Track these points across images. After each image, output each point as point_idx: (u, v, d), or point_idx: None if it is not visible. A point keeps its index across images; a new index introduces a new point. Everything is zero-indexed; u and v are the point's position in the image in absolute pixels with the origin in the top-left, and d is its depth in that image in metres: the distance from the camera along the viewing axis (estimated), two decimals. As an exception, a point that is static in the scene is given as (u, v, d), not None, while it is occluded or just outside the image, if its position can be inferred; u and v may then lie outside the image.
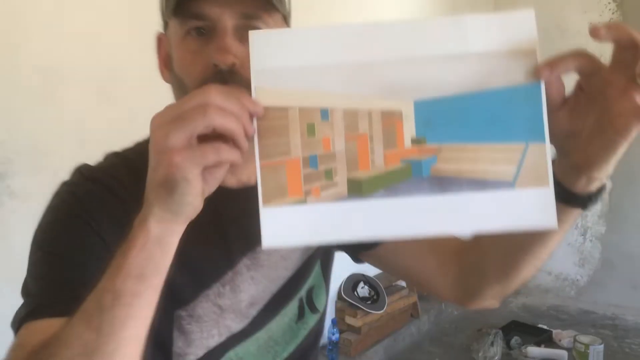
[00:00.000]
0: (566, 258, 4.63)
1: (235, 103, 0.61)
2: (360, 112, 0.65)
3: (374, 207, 0.64)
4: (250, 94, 0.64)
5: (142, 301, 0.63)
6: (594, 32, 0.61)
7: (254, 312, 0.94)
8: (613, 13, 4.53)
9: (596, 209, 4.50)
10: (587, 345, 3.31)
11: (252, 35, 0.66)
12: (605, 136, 0.64)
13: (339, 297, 3.51)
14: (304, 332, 1.03)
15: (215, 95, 0.59)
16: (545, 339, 3.74)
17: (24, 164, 1.90)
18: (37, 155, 1.92)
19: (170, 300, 0.81)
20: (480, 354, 3.49)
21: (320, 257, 1.06)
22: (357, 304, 3.46)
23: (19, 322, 0.74)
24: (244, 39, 0.79)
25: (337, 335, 3.29)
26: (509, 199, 0.64)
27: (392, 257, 1.01)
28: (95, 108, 2.11)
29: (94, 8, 2.10)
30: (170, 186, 0.59)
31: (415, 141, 0.65)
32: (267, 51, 0.65)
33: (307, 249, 1.00)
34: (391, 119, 0.65)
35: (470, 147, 0.65)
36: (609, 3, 4.53)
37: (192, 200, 0.61)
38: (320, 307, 1.06)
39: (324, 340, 3.35)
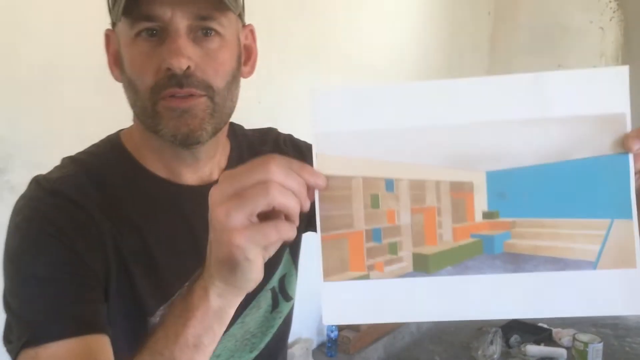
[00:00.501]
0: None
1: (296, 179, 0.58)
2: (427, 183, 0.62)
3: (442, 285, 0.60)
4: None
5: None
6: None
7: None
8: (614, 12, 4.49)
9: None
10: (586, 344, 3.30)
11: (314, 93, 0.61)
12: None
13: None
14: (279, 321, 1.02)
15: (277, 171, 0.56)
16: (545, 337, 3.72)
17: (24, 160, 1.87)
18: (37, 151, 1.89)
19: (141, 307, 0.82)
20: (479, 352, 3.47)
21: (288, 244, 1.00)
22: None
23: (18, 348, 0.72)
24: (197, 40, 0.79)
25: (335, 332, 3.30)
26: (590, 280, 0.59)
27: None
28: (95, 104, 2.07)
29: (93, 4, 2.05)
30: (233, 265, 0.58)
31: (487, 215, 0.61)
32: (329, 112, 0.61)
33: None
34: (461, 191, 0.61)
35: (548, 222, 0.60)
36: (610, 2, 4.50)
37: (254, 276, 0.60)
38: (293, 295, 1.06)
39: (322, 338, 3.39)
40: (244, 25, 0.90)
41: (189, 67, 0.77)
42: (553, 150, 0.60)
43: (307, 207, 0.60)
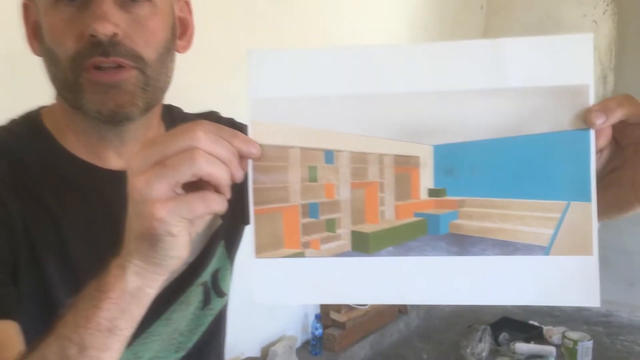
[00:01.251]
0: None
1: (226, 147, 0.53)
2: (370, 156, 0.57)
3: (381, 266, 0.56)
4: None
5: (111, 353, 0.58)
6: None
7: None
8: (607, 5, 4.46)
9: (592, 205, 4.53)
10: (575, 342, 3.31)
11: (251, 54, 0.57)
12: (625, 195, 0.58)
13: None
14: (209, 319, 0.96)
15: (204, 138, 0.52)
16: (535, 335, 3.73)
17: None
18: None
19: (51, 298, 0.77)
20: (468, 350, 3.47)
21: (223, 237, 0.97)
22: None
23: None
24: (125, 6, 0.73)
25: (320, 330, 3.29)
26: (542, 267, 0.55)
27: None
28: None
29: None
30: (154, 240, 0.53)
31: (433, 193, 0.57)
32: (267, 76, 0.57)
33: (208, 229, 0.86)
34: (406, 166, 0.57)
35: (499, 202, 0.56)
36: None
37: (178, 253, 0.55)
38: (227, 290, 0.99)
39: (306, 335, 3.38)
40: None
41: (115, 35, 0.72)
42: (508, 123, 0.55)
43: (239, 177, 0.55)
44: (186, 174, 0.51)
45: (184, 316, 0.90)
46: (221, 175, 0.53)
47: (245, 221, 0.95)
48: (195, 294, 0.91)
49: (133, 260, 0.56)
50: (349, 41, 3.49)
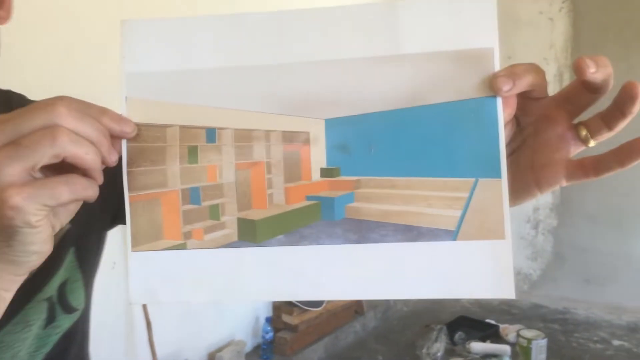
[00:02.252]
0: (519, 252, 4.69)
1: (94, 124, 0.47)
2: (255, 132, 0.52)
3: (271, 257, 0.51)
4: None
5: None
6: (582, 68, 0.48)
7: None
8: (563, 3, 4.58)
9: (547, 202, 4.60)
10: (529, 340, 3.35)
11: (125, 25, 0.52)
12: (523, 180, 0.54)
13: None
14: (54, 338, 0.82)
15: (67, 113, 0.46)
16: (491, 334, 3.78)
17: None
18: None
19: None
20: (424, 351, 3.50)
21: (74, 244, 0.84)
22: (293, 301, 3.41)
23: None
24: None
25: (271, 334, 3.27)
26: (449, 254, 0.50)
27: None
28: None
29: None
30: (8, 233, 0.46)
31: (326, 172, 0.52)
32: (143, 49, 0.51)
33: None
34: (295, 142, 0.52)
35: (399, 182, 0.51)
36: None
37: (39, 248, 0.48)
38: (78, 305, 0.86)
39: (257, 340, 3.36)
40: None
41: None
42: (406, 93, 0.50)
43: (112, 160, 0.49)
44: (45, 155, 0.45)
45: (23, 338, 0.79)
46: (89, 156, 0.47)
47: (106, 225, 0.88)
48: (36, 312, 0.79)
49: None
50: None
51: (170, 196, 0.52)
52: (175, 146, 0.52)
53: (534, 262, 4.80)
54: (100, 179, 0.49)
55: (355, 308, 3.89)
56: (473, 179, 0.50)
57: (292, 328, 3.38)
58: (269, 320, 3.34)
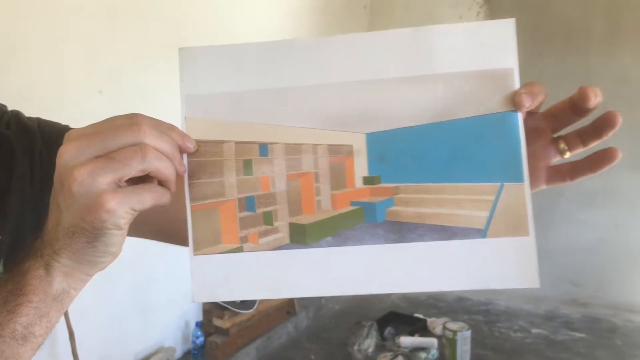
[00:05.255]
0: None
1: (168, 141, 0.55)
2: (304, 146, 0.60)
3: (320, 258, 0.58)
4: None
5: None
6: (589, 97, 0.58)
7: None
8: (480, 7, 4.84)
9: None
10: (455, 332, 3.51)
11: (183, 53, 0.59)
12: None
13: None
14: None
15: (149, 133, 0.53)
16: (420, 327, 3.93)
17: None
18: None
19: None
20: (355, 347, 3.61)
21: (3, 254, 0.83)
22: (224, 305, 3.43)
23: None
24: None
25: (201, 338, 3.28)
26: (479, 250, 0.57)
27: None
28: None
29: None
30: (95, 235, 0.53)
31: (368, 180, 0.59)
32: (200, 73, 0.58)
33: None
34: (340, 155, 0.60)
35: (433, 187, 0.59)
36: None
37: (116, 249, 0.55)
38: None
39: (188, 345, 3.37)
40: None
41: None
42: (437, 109, 0.58)
43: (182, 171, 0.57)
44: (135, 169, 0.52)
45: None
46: (168, 170, 0.54)
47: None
48: None
49: (61, 259, 0.55)
50: (229, 40, 3.53)
51: (227, 205, 0.59)
52: (232, 160, 0.59)
53: None
54: (173, 188, 0.56)
55: (288, 309, 3.93)
56: (499, 184, 0.58)
57: (224, 332, 3.38)
58: (199, 324, 3.33)
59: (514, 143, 0.58)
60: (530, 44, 4.53)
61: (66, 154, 0.53)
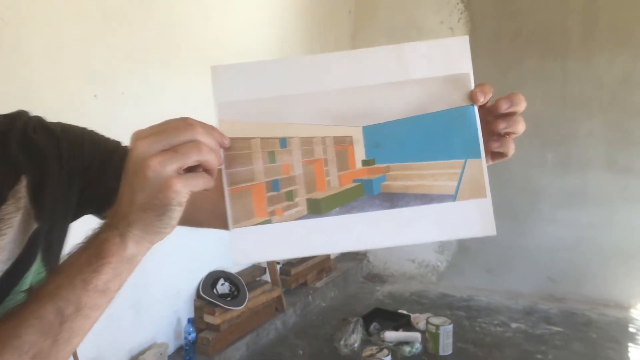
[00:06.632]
0: (428, 246, 5.08)
1: (214, 139, 0.70)
2: (315, 139, 0.77)
3: (332, 224, 0.75)
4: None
5: (100, 311, 0.71)
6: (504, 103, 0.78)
7: None
8: (461, 13, 5.03)
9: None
10: (437, 326, 3.71)
11: (214, 69, 0.75)
12: None
13: (198, 295, 3.60)
14: None
15: (202, 132, 0.68)
16: (404, 323, 4.11)
17: None
18: None
19: None
20: (341, 343, 3.77)
21: (44, 243, 0.94)
22: (215, 301, 3.54)
23: None
24: None
25: (193, 334, 3.38)
26: (452, 210, 0.75)
27: None
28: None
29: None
30: (163, 210, 0.67)
31: (366, 162, 0.76)
32: (228, 85, 0.74)
33: (23, 233, 0.91)
34: (343, 144, 0.77)
35: (415, 165, 0.77)
36: (458, 4, 5.03)
37: (175, 223, 0.69)
38: None
39: (180, 341, 3.45)
40: None
41: None
42: (415, 105, 0.76)
43: (221, 162, 0.72)
44: (192, 160, 0.67)
45: None
46: (214, 162, 0.69)
47: (68, 221, 1.02)
48: (16, 303, 0.86)
49: (133, 230, 0.68)
50: (218, 44, 3.65)
51: (257, 187, 0.75)
52: (258, 152, 0.75)
53: (441, 255, 5.18)
54: (215, 176, 0.71)
55: (276, 305, 4.05)
56: (463, 160, 0.76)
57: (214, 328, 3.50)
58: (190, 321, 3.42)
59: (473, 129, 0.77)
60: (510, 49, 4.76)
61: (139, 148, 0.67)
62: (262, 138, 0.75)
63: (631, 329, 4.25)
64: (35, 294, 0.73)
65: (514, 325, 4.29)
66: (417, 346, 3.77)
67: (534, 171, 4.73)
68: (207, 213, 0.96)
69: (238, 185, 0.74)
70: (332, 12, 5.14)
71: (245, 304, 3.67)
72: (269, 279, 4.12)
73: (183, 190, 0.66)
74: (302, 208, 0.76)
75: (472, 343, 3.95)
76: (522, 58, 4.70)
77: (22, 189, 0.91)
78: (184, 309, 3.58)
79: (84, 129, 1.04)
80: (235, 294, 3.70)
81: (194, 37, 3.49)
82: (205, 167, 0.70)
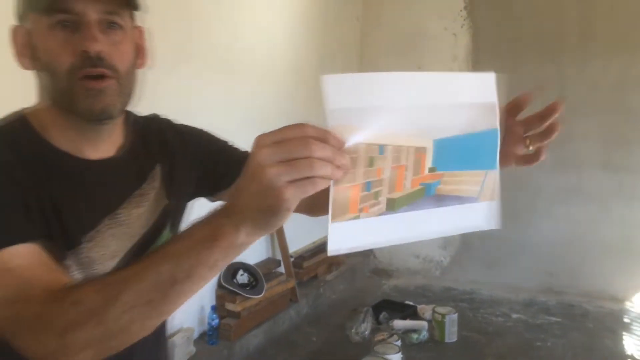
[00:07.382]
0: (432, 241, 5.01)
1: (330, 150, 0.73)
2: (402, 147, 0.83)
3: (400, 219, 0.84)
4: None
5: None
6: (552, 111, 0.96)
7: (113, 264, 1.08)
8: (465, 20, 5.19)
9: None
10: (443, 315, 3.93)
11: (326, 79, 0.75)
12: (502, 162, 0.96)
13: (219, 285, 3.77)
14: None
15: (316, 147, 0.71)
16: (410, 313, 4.31)
17: None
18: None
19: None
20: (353, 331, 3.96)
21: (171, 216, 1.21)
22: (236, 290, 3.76)
23: None
24: (105, 32, 0.99)
25: (216, 320, 3.61)
26: (474, 209, 0.91)
27: None
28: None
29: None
30: (273, 212, 0.73)
31: (431, 170, 0.86)
32: (339, 93, 0.76)
33: (156, 206, 1.18)
34: (419, 153, 0.85)
35: (457, 173, 0.89)
36: (461, 11, 5.23)
37: (282, 223, 0.75)
38: None
39: (203, 327, 3.65)
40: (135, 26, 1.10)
41: (101, 51, 0.98)
42: (462, 125, 0.89)
43: (338, 175, 0.74)
44: (305, 175, 0.70)
45: None
46: (328, 174, 0.72)
47: (188, 200, 1.30)
48: None
49: (247, 224, 0.75)
50: (236, 48, 3.81)
51: (356, 188, 0.79)
52: (362, 156, 0.78)
53: (445, 251, 5.34)
54: (325, 185, 0.73)
55: (290, 296, 4.25)
56: (485, 171, 0.92)
57: (235, 315, 3.70)
58: (214, 308, 3.62)
59: (494, 147, 0.93)
60: (510, 54, 4.93)
61: (259, 156, 0.71)
62: (366, 144, 0.79)
63: (626, 320, 4.48)
64: (158, 252, 0.81)
65: (514, 315, 4.47)
66: (424, 334, 3.96)
67: (533, 170, 4.83)
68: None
69: (343, 184, 0.77)
70: (341, 18, 5.36)
71: (263, 293, 3.89)
72: (283, 271, 4.30)
73: (292, 199, 0.71)
74: (382, 206, 0.82)
75: (476, 331, 4.15)
76: (520, 63, 4.88)
77: (157, 174, 1.19)
78: (207, 297, 3.75)
79: (201, 130, 1.33)
80: (254, 284, 3.86)
81: (215, 44, 3.69)
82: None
